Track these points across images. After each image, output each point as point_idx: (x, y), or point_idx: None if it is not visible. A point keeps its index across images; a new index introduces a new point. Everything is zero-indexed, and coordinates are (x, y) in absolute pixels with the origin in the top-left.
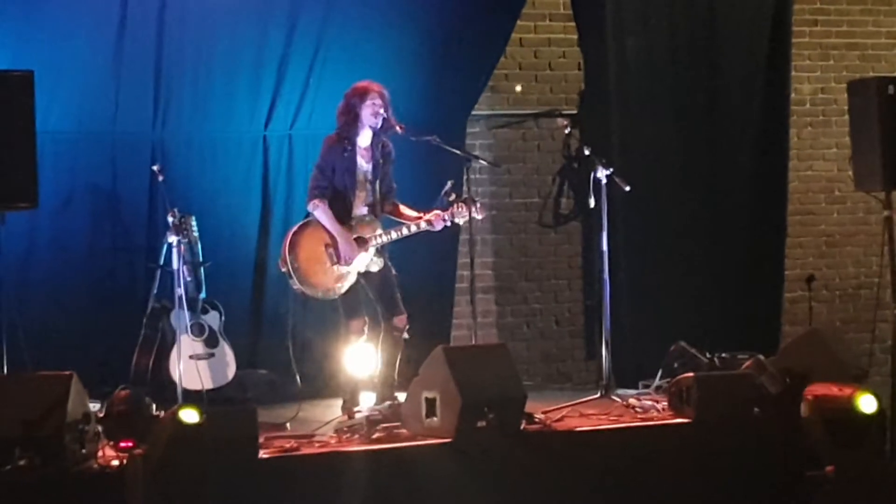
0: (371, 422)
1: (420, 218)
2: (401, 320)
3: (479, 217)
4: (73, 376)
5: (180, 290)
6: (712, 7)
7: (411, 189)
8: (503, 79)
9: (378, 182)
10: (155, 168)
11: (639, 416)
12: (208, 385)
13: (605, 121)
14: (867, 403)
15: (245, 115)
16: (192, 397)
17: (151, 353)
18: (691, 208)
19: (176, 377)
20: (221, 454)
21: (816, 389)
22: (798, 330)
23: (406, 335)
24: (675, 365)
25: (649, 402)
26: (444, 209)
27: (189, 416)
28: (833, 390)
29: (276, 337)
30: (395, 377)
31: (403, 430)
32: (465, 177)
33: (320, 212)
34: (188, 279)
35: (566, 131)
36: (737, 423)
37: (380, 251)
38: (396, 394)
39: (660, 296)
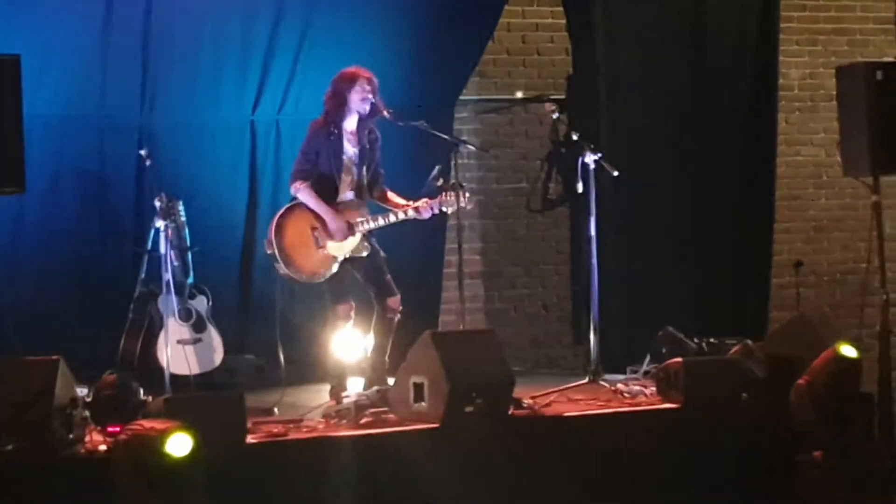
0: (359, 407)
1: (408, 206)
2: (394, 301)
3: (468, 207)
4: (61, 361)
5: (168, 275)
6: None
7: (399, 174)
8: (491, 64)
9: (364, 167)
10: (142, 152)
11: (627, 401)
12: (196, 370)
13: (594, 106)
14: (847, 350)
15: (232, 100)
16: (179, 383)
17: (139, 337)
18: (679, 193)
19: (163, 362)
20: (209, 439)
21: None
22: (786, 315)
23: (398, 316)
24: (663, 350)
25: (637, 388)
26: (432, 196)
27: (179, 447)
28: (815, 362)
29: (264, 322)
30: (387, 361)
31: (391, 416)
32: (452, 162)
33: (304, 193)
34: (175, 264)
35: (554, 116)
36: (725, 408)
37: (367, 236)
38: (387, 378)
39: (648, 281)
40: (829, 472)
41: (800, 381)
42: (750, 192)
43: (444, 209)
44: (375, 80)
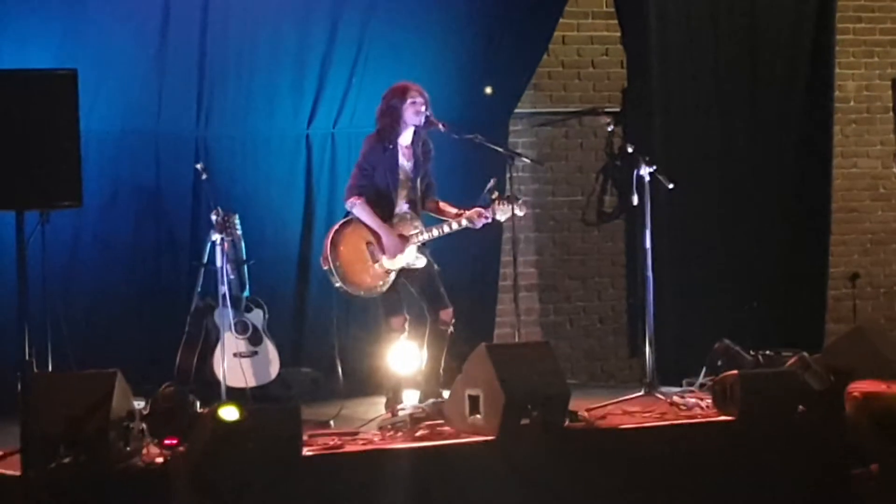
0: (414, 419)
1: (461, 215)
2: (447, 313)
3: (521, 214)
4: (118, 374)
5: (224, 288)
6: (755, 5)
7: (454, 187)
8: (546, 77)
9: (419, 179)
10: (198, 166)
11: (683, 413)
12: (252, 383)
13: (648, 118)
14: None
15: (288, 114)
16: (235, 395)
17: (195, 351)
18: (735, 206)
19: (220, 375)
20: (265, 451)
21: (862, 386)
22: (842, 328)
23: (451, 328)
24: (719, 362)
25: (693, 400)
26: (486, 207)
27: (229, 413)
28: (881, 387)
29: (320, 335)
30: (441, 373)
31: (447, 428)
32: (507, 175)
33: (359, 209)
34: (232, 277)
35: (609, 129)
36: (781, 420)
37: (421, 248)
38: (442, 390)
39: (703, 293)
40: (885, 485)
41: (855, 394)
42: (806, 204)
43: (497, 217)
44: (426, 94)
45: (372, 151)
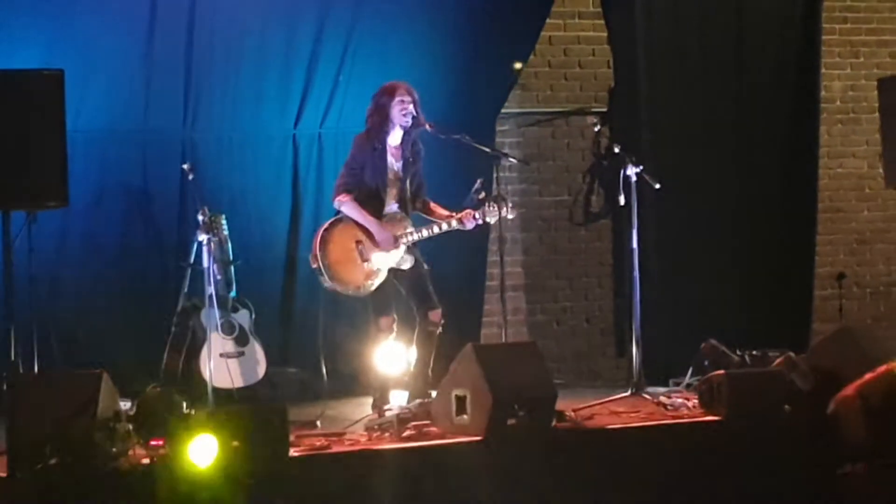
0: (401, 420)
1: (451, 216)
2: (435, 314)
3: (511, 216)
4: (104, 374)
5: (211, 289)
6: (741, 4)
7: (441, 187)
8: (533, 77)
9: (408, 180)
10: (185, 167)
11: (669, 413)
12: (238, 383)
13: (635, 118)
14: None
15: (275, 114)
16: (222, 396)
17: (182, 351)
18: (721, 205)
19: (206, 375)
20: (251, 452)
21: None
22: (828, 327)
23: (440, 329)
24: (706, 362)
25: (680, 400)
26: (475, 208)
27: (202, 455)
28: (867, 377)
29: (307, 335)
30: (430, 374)
31: (434, 429)
32: (494, 175)
33: (347, 206)
34: (218, 277)
35: (596, 129)
36: (768, 420)
37: (410, 248)
38: (430, 391)
39: (690, 293)
40: (873, 485)
41: (847, 394)
42: (792, 204)
43: (487, 219)
44: (416, 93)
45: (361, 151)
